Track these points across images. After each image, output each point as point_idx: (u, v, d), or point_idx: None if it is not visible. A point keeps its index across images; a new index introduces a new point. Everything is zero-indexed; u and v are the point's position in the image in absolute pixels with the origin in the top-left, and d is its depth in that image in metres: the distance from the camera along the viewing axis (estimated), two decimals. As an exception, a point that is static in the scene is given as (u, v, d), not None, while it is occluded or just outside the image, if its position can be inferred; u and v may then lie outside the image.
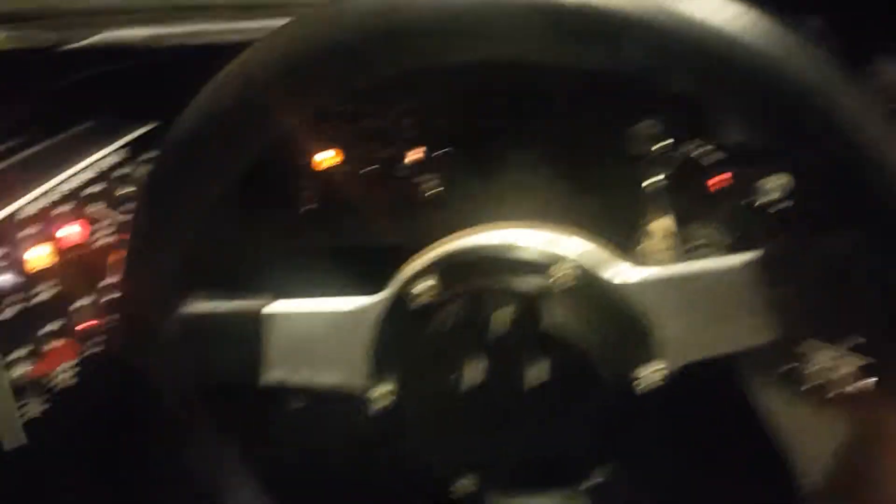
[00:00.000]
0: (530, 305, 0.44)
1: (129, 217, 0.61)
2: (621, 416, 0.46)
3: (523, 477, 0.49)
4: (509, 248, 0.45)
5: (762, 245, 0.43)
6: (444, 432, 0.48)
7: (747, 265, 0.42)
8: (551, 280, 0.44)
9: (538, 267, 0.44)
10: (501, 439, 0.47)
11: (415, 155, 0.78)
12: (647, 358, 0.44)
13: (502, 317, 0.44)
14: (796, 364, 0.79)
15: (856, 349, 0.75)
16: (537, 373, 0.44)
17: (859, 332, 0.43)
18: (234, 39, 0.54)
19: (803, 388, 0.78)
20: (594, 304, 0.44)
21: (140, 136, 0.61)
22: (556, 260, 0.44)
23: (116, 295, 0.47)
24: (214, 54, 0.51)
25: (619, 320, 0.44)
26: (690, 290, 0.44)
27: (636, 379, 0.44)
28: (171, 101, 0.63)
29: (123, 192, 0.60)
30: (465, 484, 0.49)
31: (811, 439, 0.49)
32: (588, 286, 0.44)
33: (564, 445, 0.47)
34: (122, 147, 0.59)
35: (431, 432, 0.48)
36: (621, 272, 0.45)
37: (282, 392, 0.49)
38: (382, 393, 0.47)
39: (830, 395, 0.76)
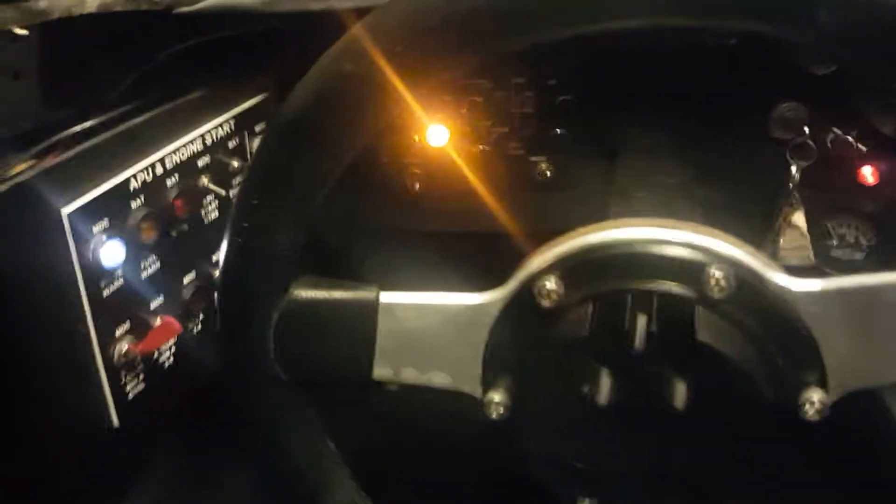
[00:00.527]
0: (682, 313, 0.38)
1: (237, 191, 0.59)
2: (775, 444, 0.40)
3: (649, 501, 0.44)
4: (654, 245, 0.40)
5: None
6: (565, 449, 0.43)
7: None
8: (706, 285, 0.38)
9: (688, 270, 0.39)
10: (632, 462, 0.42)
11: (530, 134, 0.73)
12: (812, 381, 0.38)
13: (646, 325, 0.39)
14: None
15: None
16: (683, 392, 0.39)
17: None
18: (349, 6, 0.51)
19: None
20: (756, 315, 0.38)
21: (251, 107, 0.59)
22: (711, 261, 0.38)
23: (221, 274, 0.45)
24: (330, 21, 0.48)
25: (781, 336, 0.38)
26: (868, 305, 0.38)
27: (800, 405, 0.38)
28: (283, 71, 0.61)
29: (233, 164, 0.57)
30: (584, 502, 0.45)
31: None
32: (748, 294, 0.38)
33: (708, 473, 0.41)
34: (233, 118, 0.57)
35: (550, 448, 0.44)
36: (784, 280, 0.39)
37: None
38: (497, 400, 0.43)
39: None
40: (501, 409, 0.43)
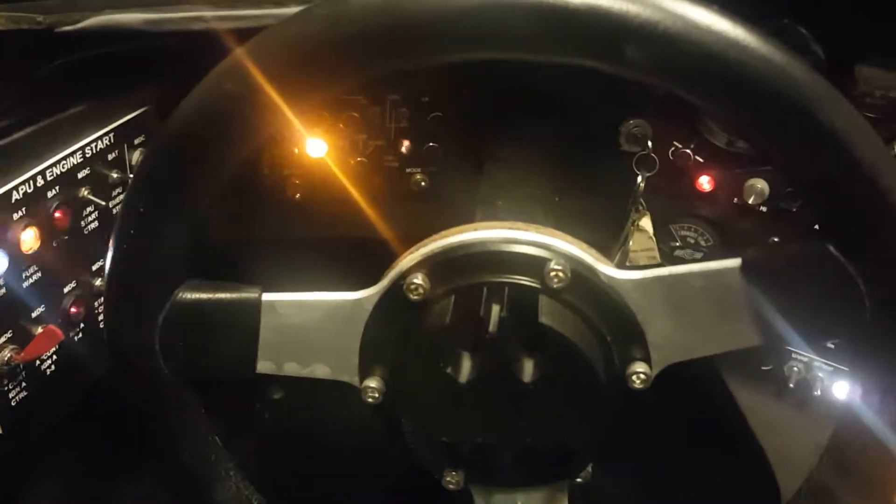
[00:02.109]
0: (529, 301, 0.45)
1: (117, 202, 0.61)
2: (612, 413, 0.47)
3: (511, 471, 0.51)
4: (505, 244, 0.46)
5: (746, 248, 0.44)
6: (433, 426, 0.49)
7: (734, 269, 0.44)
8: (547, 277, 0.45)
9: (533, 265, 0.46)
10: (491, 434, 0.49)
11: (404, 147, 0.79)
12: (638, 356, 0.46)
13: (499, 312, 0.45)
14: (775, 365, 0.83)
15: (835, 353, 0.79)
16: (531, 369, 0.46)
17: (839, 337, 0.44)
18: (228, 27, 0.55)
19: (785, 389, 0.82)
20: (589, 301, 0.46)
21: (130, 121, 0.61)
22: (552, 257, 0.46)
23: (105, 281, 0.47)
24: (209, 41, 0.52)
25: (611, 318, 0.46)
26: (679, 291, 0.46)
27: (628, 376, 0.46)
28: (162, 86, 0.64)
29: (112, 176, 0.60)
30: (454, 477, 0.51)
31: (786, 436, 0.51)
32: (582, 284, 0.46)
33: (554, 441, 0.48)
34: (112, 131, 0.59)
35: (421, 425, 0.49)
36: (612, 271, 0.46)
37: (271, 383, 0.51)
38: (373, 386, 0.48)
39: (799, 394, 0.80)
40: (377, 395, 0.48)
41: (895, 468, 0.47)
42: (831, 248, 0.41)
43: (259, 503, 0.54)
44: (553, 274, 0.45)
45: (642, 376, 0.46)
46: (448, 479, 0.51)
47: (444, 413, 0.48)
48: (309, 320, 0.49)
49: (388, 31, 0.40)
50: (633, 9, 0.37)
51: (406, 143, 0.79)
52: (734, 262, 0.44)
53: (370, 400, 0.48)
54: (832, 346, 0.78)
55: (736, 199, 0.81)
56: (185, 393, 0.51)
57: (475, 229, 0.48)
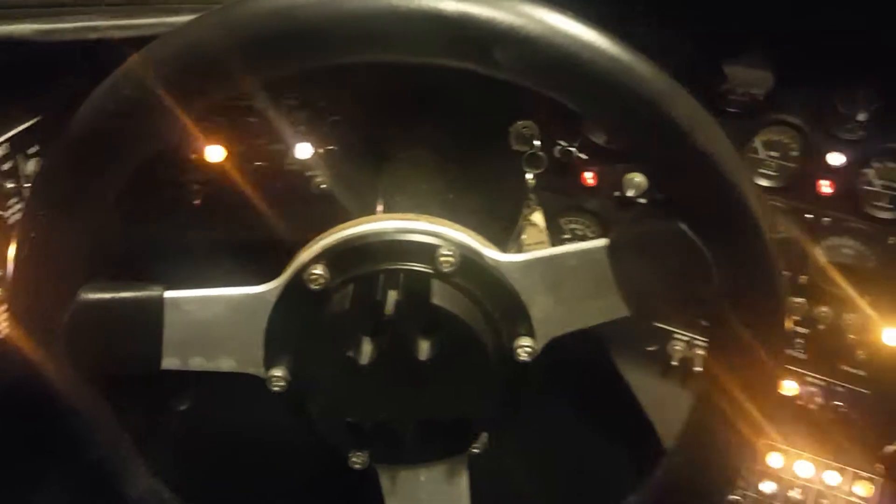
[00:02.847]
0: (422, 285, 0.50)
1: (12, 211, 0.62)
2: (504, 385, 0.52)
3: (413, 448, 0.55)
4: (398, 234, 0.51)
5: (612, 231, 0.50)
6: (337, 408, 0.53)
7: (602, 248, 0.50)
8: (438, 263, 0.50)
9: (424, 251, 0.50)
10: (393, 412, 0.53)
11: (303, 151, 0.83)
12: (523, 331, 0.51)
13: (395, 297, 0.49)
14: (659, 346, 0.91)
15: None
16: (427, 348, 0.50)
17: (692, 306, 0.51)
18: (123, 35, 0.57)
19: (664, 366, 0.90)
20: (477, 283, 0.51)
21: (25, 130, 0.62)
22: (442, 244, 0.50)
23: (9, 282, 0.49)
24: (104, 50, 0.54)
25: (497, 298, 0.51)
26: (556, 271, 0.51)
27: (515, 350, 0.51)
28: (57, 95, 0.65)
29: (6, 186, 0.61)
30: (359, 458, 0.55)
31: (669, 409, 0.57)
32: (470, 268, 0.50)
33: (451, 414, 0.53)
34: (7, 141, 0.60)
35: (326, 409, 0.53)
36: (496, 255, 0.51)
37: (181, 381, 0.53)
38: (278, 375, 0.51)
39: (681, 371, 0.88)
40: (283, 383, 0.52)
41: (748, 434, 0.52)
42: (682, 227, 0.47)
43: (171, 498, 0.56)
44: (443, 259, 0.50)
45: (528, 349, 0.51)
46: (354, 459, 0.55)
47: (347, 395, 0.52)
48: (212, 315, 0.51)
49: (277, 36, 0.43)
50: (499, 15, 0.42)
51: (305, 146, 0.82)
52: (602, 242, 0.50)
53: (276, 389, 0.52)
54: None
55: (617, 193, 0.88)
56: (94, 392, 0.52)
57: (370, 221, 0.52)
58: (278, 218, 0.80)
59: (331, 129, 0.82)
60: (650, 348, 0.92)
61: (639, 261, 0.49)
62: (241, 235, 0.82)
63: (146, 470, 0.55)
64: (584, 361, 0.92)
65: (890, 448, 0.66)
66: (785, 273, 0.83)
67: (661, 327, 0.91)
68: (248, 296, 0.52)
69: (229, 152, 0.80)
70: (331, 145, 0.83)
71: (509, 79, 0.45)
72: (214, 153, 0.79)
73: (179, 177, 0.79)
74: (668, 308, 0.50)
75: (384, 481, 0.57)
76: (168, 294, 0.50)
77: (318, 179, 0.84)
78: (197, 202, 0.80)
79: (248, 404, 0.54)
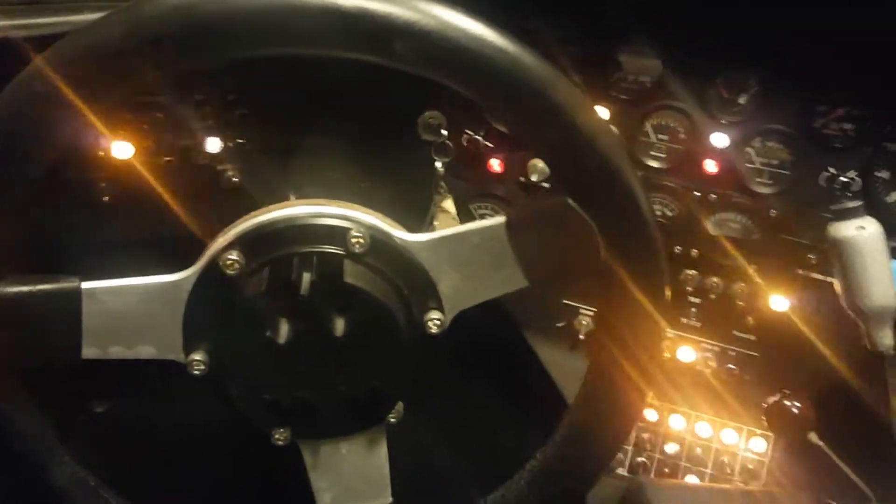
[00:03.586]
0: (335, 266, 0.53)
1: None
2: (416, 357, 0.57)
3: (333, 422, 0.59)
4: (310, 218, 0.54)
5: (508, 209, 0.55)
6: (258, 387, 0.56)
7: (500, 225, 0.55)
8: (349, 244, 0.54)
9: (336, 233, 0.54)
10: (312, 388, 0.56)
11: (212, 145, 0.85)
12: (432, 305, 0.56)
13: (309, 278, 0.53)
14: (567, 322, 0.97)
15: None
16: (342, 325, 0.54)
17: (583, 274, 0.56)
18: (24, 34, 0.58)
19: (573, 340, 0.96)
20: (388, 262, 0.55)
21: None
22: (353, 227, 0.54)
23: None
24: (4, 50, 0.55)
25: (407, 275, 0.55)
26: (460, 248, 0.56)
27: (425, 323, 0.55)
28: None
29: None
30: (281, 435, 0.58)
31: (578, 380, 0.62)
32: (380, 248, 0.54)
33: (368, 387, 0.57)
34: None
35: (247, 388, 0.56)
36: (405, 235, 0.56)
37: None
38: (198, 359, 0.54)
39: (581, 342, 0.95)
40: (203, 367, 0.54)
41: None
42: (569, 202, 0.53)
43: (96, 483, 0.58)
44: (354, 241, 0.54)
45: (438, 322, 0.56)
46: (276, 436, 0.58)
47: (267, 374, 0.55)
48: (130, 304, 0.54)
49: (181, 33, 0.46)
50: (396, 10, 0.46)
51: (214, 141, 0.85)
52: (501, 220, 0.55)
53: (196, 372, 0.54)
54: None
55: (522, 178, 0.94)
56: (16, 385, 0.54)
57: (283, 207, 0.55)
58: (190, 212, 0.81)
59: (239, 123, 0.84)
60: (559, 324, 0.98)
61: (534, 235, 0.54)
62: (152, 232, 0.83)
63: (70, 459, 0.57)
64: (498, 340, 0.98)
65: (770, 399, 0.73)
66: (677, 248, 0.92)
67: (568, 304, 0.97)
68: (164, 284, 0.54)
69: (137, 148, 0.81)
70: (240, 139, 0.85)
71: (409, 70, 0.49)
72: (122, 150, 0.80)
73: (87, 174, 0.80)
74: (562, 276, 0.56)
75: (306, 456, 0.60)
76: (85, 285, 0.52)
77: (229, 173, 0.86)
78: (106, 199, 0.81)
79: (168, 399, 0.56)
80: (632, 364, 0.56)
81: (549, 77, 0.48)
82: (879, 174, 0.86)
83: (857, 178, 0.86)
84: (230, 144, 0.85)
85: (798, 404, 0.68)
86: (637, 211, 0.51)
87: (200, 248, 0.56)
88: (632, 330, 0.55)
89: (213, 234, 0.56)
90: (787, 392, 0.68)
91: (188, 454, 0.85)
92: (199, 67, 0.48)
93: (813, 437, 0.67)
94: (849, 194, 0.86)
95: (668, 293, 0.55)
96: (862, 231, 0.61)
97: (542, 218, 0.54)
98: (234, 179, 0.86)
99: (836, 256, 0.62)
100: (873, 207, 0.85)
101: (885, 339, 0.61)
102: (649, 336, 0.55)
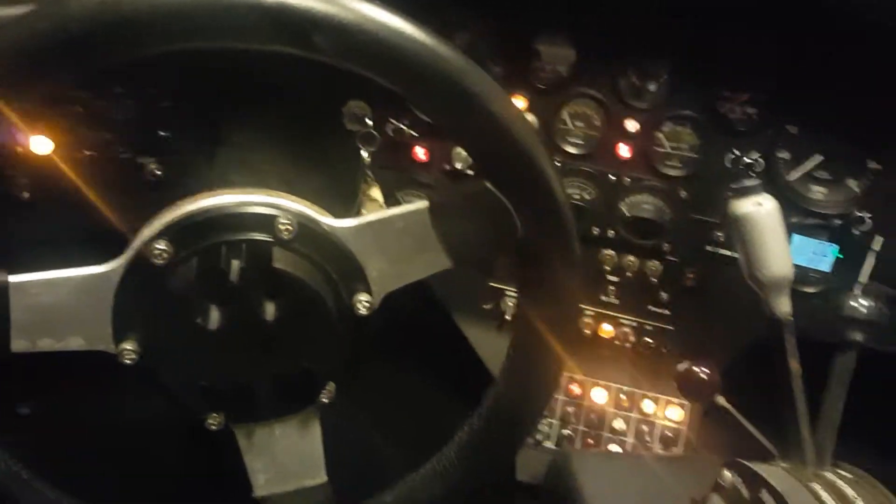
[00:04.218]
0: (264, 252, 0.55)
1: None
2: (347, 338, 0.59)
3: (265, 405, 0.60)
4: (238, 207, 0.56)
5: (430, 194, 0.58)
6: (191, 374, 0.57)
7: (424, 209, 0.57)
8: (277, 231, 0.55)
9: (264, 221, 0.56)
10: (244, 372, 0.58)
11: (134, 139, 0.84)
12: (361, 288, 0.58)
13: (239, 265, 0.54)
14: (494, 304, 1.01)
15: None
16: (272, 309, 0.56)
17: (504, 255, 0.59)
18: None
19: (500, 321, 1.00)
20: (313, 248, 0.57)
21: None
22: (280, 214, 0.56)
23: None
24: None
25: (335, 260, 0.57)
26: (386, 232, 0.58)
27: (354, 305, 0.57)
28: None
29: None
30: (215, 419, 0.60)
31: (499, 356, 0.65)
32: (308, 234, 0.56)
33: (299, 369, 0.59)
34: None
35: (180, 375, 0.57)
36: (331, 221, 0.58)
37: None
38: (129, 348, 0.55)
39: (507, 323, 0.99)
40: (134, 356, 0.55)
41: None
42: (487, 185, 0.56)
43: (31, 477, 0.58)
44: (282, 227, 0.56)
45: (366, 304, 0.58)
46: (210, 421, 0.60)
47: (199, 360, 0.57)
48: (58, 296, 0.54)
49: (108, 28, 0.47)
50: (315, 5, 0.48)
51: (135, 134, 0.84)
52: (424, 205, 0.58)
53: (127, 361, 0.55)
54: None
55: (447, 166, 0.97)
56: None
57: (210, 196, 0.56)
58: (112, 206, 0.81)
59: (162, 116, 0.84)
60: (486, 306, 1.02)
61: (455, 218, 0.57)
62: (76, 225, 0.82)
63: (2, 452, 0.57)
64: (429, 323, 1.01)
65: (680, 366, 0.79)
66: (595, 229, 0.97)
67: (495, 287, 1.01)
68: (92, 275, 0.55)
69: (57, 143, 0.80)
70: (162, 131, 0.85)
71: (331, 62, 0.51)
72: (41, 145, 0.79)
73: (6, 171, 0.79)
74: (483, 256, 0.59)
75: (241, 440, 0.62)
76: (13, 278, 0.53)
77: (152, 166, 0.86)
78: (26, 195, 0.80)
79: (100, 392, 0.57)
80: (550, 337, 0.59)
81: (463, 67, 0.51)
82: (781, 155, 0.92)
83: (760, 160, 0.92)
84: (152, 137, 0.85)
85: (705, 370, 0.73)
86: (549, 191, 0.55)
87: (124, 241, 0.57)
88: (548, 303, 0.59)
89: (137, 228, 0.57)
90: (696, 359, 0.73)
91: (122, 445, 0.85)
92: (123, 63, 0.49)
93: (720, 399, 0.72)
94: (752, 174, 0.92)
95: (580, 268, 0.58)
96: (759, 207, 0.66)
97: (463, 201, 0.57)
98: (157, 172, 0.86)
99: (737, 231, 0.67)
100: (775, 186, 0.91)
101: (782, 306, 0.67)
102: (565, 308, 0.59)
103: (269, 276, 0.55)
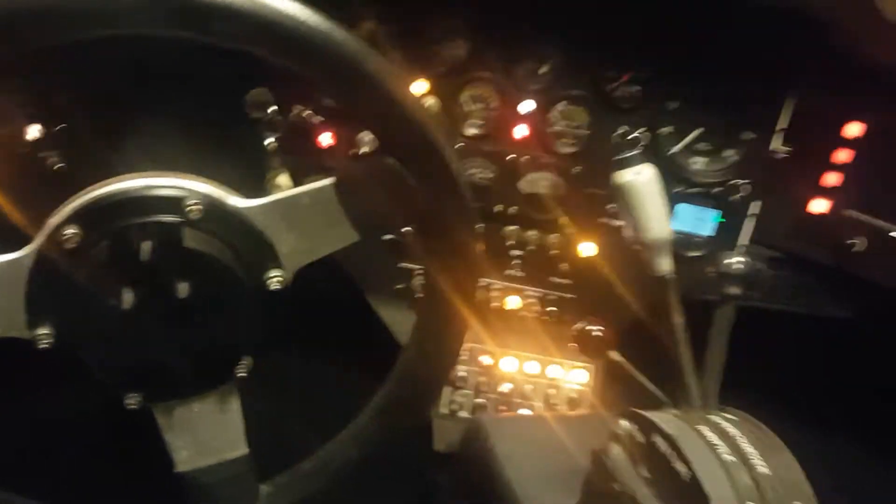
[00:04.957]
0: (174, 233, 0.58)
1: None
2: (260, 312, 0.62)
3: (183, 383, 0.63)
4: (146, 190, 0.58)
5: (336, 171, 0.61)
6: (108, 354, 0.59)
7: (329, 186, 0.61)
8: (186, 211, 0.58)
9: (172, 203, 0.58)
10: (161, 350, 0.60)
11: (33, 132, 0.84)
12: (272, 265, 0.61)
13: (150, 246, 0.57)
14: (405, 283, 1.05)
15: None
16: (185, 288, 0.58)
17: (408, 225, 0.63)
18: None
19: (411, 300, 1.05)
20: (223, 227, 0.59)
21: None
22: (188, 195, 0.58)
23: None
24: None
25: (244, 237, 0.60)
26: (293, 209, 0.61)
27: (266, 281, 0.60)
28: None
29: None
30: (134, 399, 0.62)
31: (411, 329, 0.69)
32: (216, 214, 0.59)
33: (215, 344, 0.61)
34: None
35: (99, 356, 0.59)
36: (239, 201, 0.61)
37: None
38: (45, 332, 0.57)
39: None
40: (50, 339, 0.57)
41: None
42: (388, 160, 0.60)
43: None
44: (190, 208, 0.58)
45: (278, 279, 0.61)
46: (129, 401, 0.62)
47: (115, 341, 0.59)
48: None
49: (8, 17, 0.48)
50: None
51: (34, 127, 0.84)
52: (329, 181, 0.61)
53: (44, 346, 0.57)
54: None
55: (354, 150, 1.00)
56: None
57: (118, 181, 0.58)
58: (13, 201, 0.81)
59: (61, 108, 0.84)
60: (398, 286, 1.06)
61: (360, 192, 0.61)
62: None
63: None
64: (344, 304, 1.05)
65: (576, 326, 0.85)
66: (498, 206, 1.02)
67: (405, 267, 1.05)
68: (3, 263, 0.56)
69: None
70: (62, 123, 0.85)
71: (230, 46, 0.54)
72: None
73: None
74: (387, 227, 0.63)
75: (160, 419, 0.64)
76: None
77: (53, 159, 0.86)
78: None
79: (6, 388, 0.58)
80: (453, 300, 0.64)
81: (355, 47, 0.55)
82: (663, 130, 1.00)
83: (645, 135, 1.00)
84: (52, 130, 0.84)
85: (600, 328, 0.79)
86: (445, 165, 0.59)
87: (26, 236, 0.58)
88: (450, 268, 0.63)
89: (40, 222, 0.58)
90: (591, 319, 0.79)
91: (40, 437, 0.85)
92: (27, 52, 0.50)
93: (614, 354, 0.79)
94: (641, 154, 1.00)
95: (477, 233, 0.63)
96: (639, 176, 0.72)
97: (367, 177, 0.61)
98: (59, 165, 0.86)
99: (621, 199, 0.73)
100: (660, 159, 0.99)
101: (664, 265, 0.73)
102: (466, 271, 0.64)
103: (180, 256, 0.58)
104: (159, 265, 0.57)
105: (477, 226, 0.63)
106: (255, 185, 0.96)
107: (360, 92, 0.56)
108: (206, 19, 0.52)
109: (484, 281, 1.08)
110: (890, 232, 0.97)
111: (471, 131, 1.00)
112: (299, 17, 0.53)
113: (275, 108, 0.95)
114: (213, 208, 0.59)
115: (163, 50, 0.82)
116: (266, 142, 0.95)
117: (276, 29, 0.53)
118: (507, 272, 1.06)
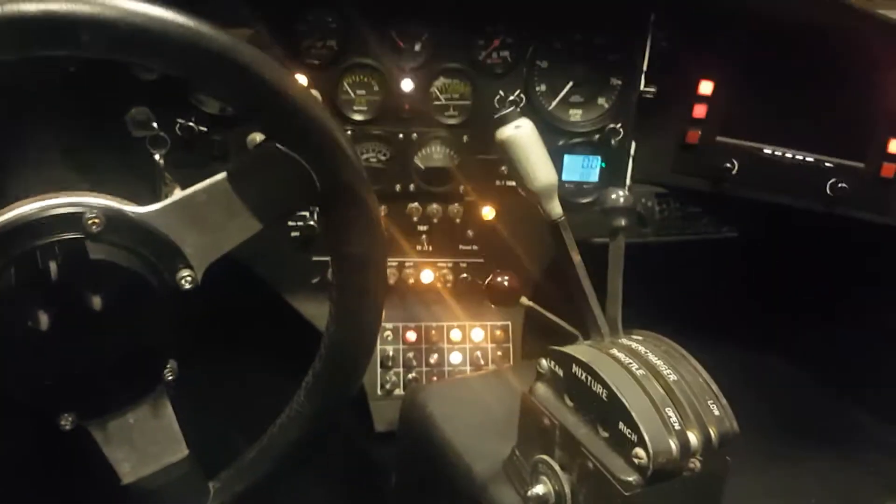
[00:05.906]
0: (78, 249, 0.59)
1: None
2: (176, 313, 0.64)
3: (113, 396, 0.64)
4: (44, 212, 0.59)
5: (229, 163, 0.63)
6: (32, 377, 0.60)
7: (223, 179, 0.63)
8: (87, 227, 0.59)
9: (72, 220, 0.59)
10: (84, 364, 0.61)
11: None
12: (181, 265, 0.63)
13: (56, 265, 0.58)
14: (321, 277, 1.08)
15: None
16: (99, 300, 0.59)
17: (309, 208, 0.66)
18: None
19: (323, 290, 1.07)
20: (126, 236, 0.61)
21: None
22: (85, 211, 0.60)
23: None
24: None
25: (149, 243, 0.62)
26: (192, 209, 0.63)
27: (178, 281, 0.62)
28: None
29: None
30: (67, 419, 0.63)
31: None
32: (117, 225, 0.61)
33: (137, 351, 0.63)
34: None
35: (23, 379, 0.60)
36: (136, 208, 0.62)
37: None
38: None
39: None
40: None
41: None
42: (279, 147, 0.62)
43: None
44: (90, 222, 0.59)
45: (189, 279, 0.63)
46: (62, 422, 0.62)
47: (39, 363, 0.60)
48: None
49: None
50: (78, 7, 0.53)
51: None
52: (222, 175, 0.63)
53: None
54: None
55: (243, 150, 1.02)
56: None
57: (15, 207, 0.59)
58: None
59: None
60: (314, 280, 1.09)
61: (254, 181, 0.64)
62: None
63: None
64: (263, 304, 1.07)
65: (486, 281, 0.89)
66: (398, 186, 1.06)
67: (318, 261, 1.08)
68: None
69: None
70: None
71: (104, 57, 0.56)
72: None
73: None
74: (287, 211, 0.65)
75: (96, 435, 0.65)
76: None
77: None
78: None
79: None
80: (364, 271, 0.68)
81: (228, 41, 0.57)
82: (538, 88, 1.06)
83: (521, 96, 1.06)
84: None
85: (507, 278, 0.84)
86: (336, 145, 0.62)
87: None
88: (355, 242, 0.66)
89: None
90: (499, 271, 0.84)
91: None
92: None
93: (524, 300, 0.84)
94: (518, 110, 1.06)
95: (375, 202, 0.66)
96: (519, 129, 0.77)
97: (258, 164, 0.64)
98: None
99: (506, 154, 0.78)
100: (540, 116, 1.05)
101: (555, 209, 0.78)
102: (371, 241, 0.67)
103: (87, 270, 0.59)
104: (69, 282, 0.59)
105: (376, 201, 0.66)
106: (152, 198, 0.97)
107: (239, 83, 0.58)
108: (75, 35, 0.53)
109: (396, 260, 1.12)
110: (760, 151, 1.06)
111: (357, 117, 1.04)
112: (167, 18, 0.55)
113: (155, 124, 0.96)
114: (113, 219, 0.61)
115: (35, 79, 0.82)
116: (156, 157, 0.96)
117: (146, 34, 0.55)
118: (417, 248, 1.10)
